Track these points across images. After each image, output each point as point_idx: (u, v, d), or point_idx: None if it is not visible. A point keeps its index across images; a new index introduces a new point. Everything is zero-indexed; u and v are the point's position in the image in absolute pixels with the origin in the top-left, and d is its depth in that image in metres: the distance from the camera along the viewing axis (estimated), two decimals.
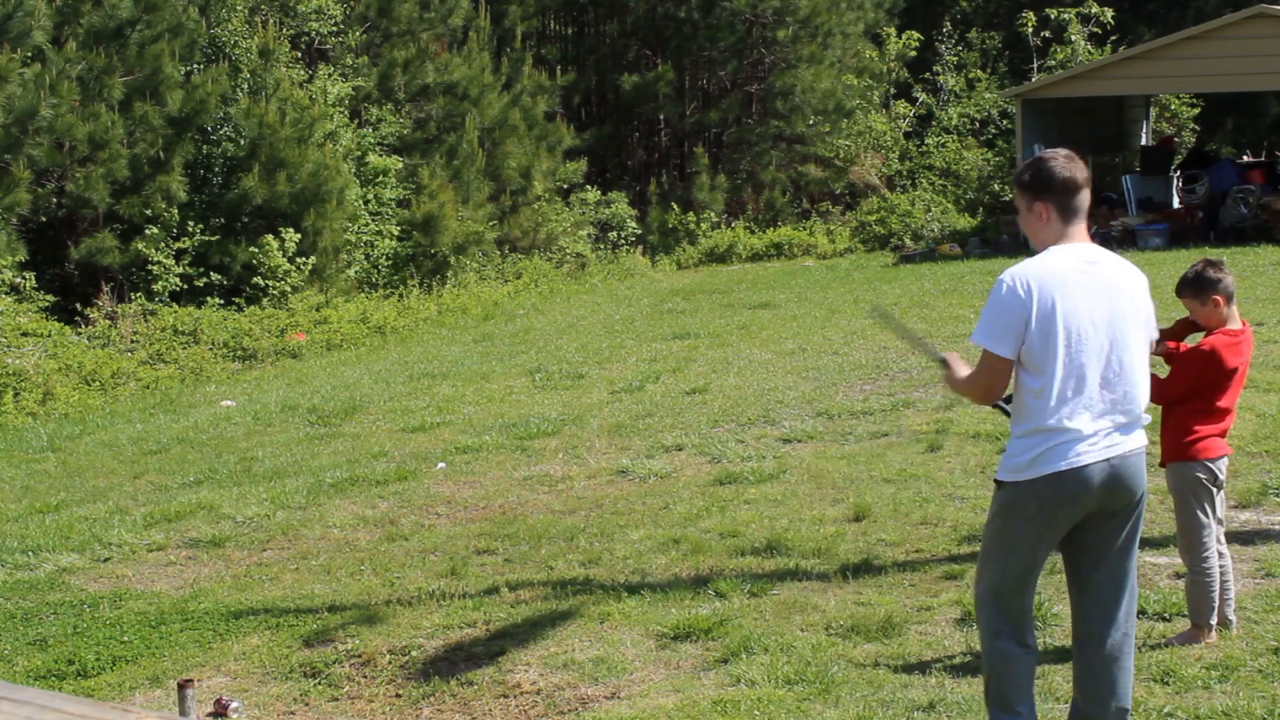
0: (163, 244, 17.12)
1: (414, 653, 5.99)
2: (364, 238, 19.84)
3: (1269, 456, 7.85)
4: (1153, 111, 26.28)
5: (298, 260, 17.81)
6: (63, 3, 17.03)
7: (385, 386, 12.93)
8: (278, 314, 17.26)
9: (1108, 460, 4.15)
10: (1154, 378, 5.41)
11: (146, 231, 17.15)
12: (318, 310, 17.69)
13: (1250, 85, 21.94)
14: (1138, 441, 4.25)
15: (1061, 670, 5.11)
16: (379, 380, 13.38)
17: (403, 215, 20.58)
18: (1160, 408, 5.51)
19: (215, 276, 17.53)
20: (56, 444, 11.63)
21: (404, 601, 6.60)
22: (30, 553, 7.97)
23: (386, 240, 20.22)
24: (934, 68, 28.65)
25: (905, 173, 26.42)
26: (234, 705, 5.54)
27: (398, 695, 5.68)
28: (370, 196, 20.14)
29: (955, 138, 26.64)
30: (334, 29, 21.60)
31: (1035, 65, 27.51)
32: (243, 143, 18.33)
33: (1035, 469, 4.15)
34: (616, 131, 28.97)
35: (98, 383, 14.42)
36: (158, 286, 16.90)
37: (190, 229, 17.31)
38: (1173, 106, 27.16)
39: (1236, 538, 6.33)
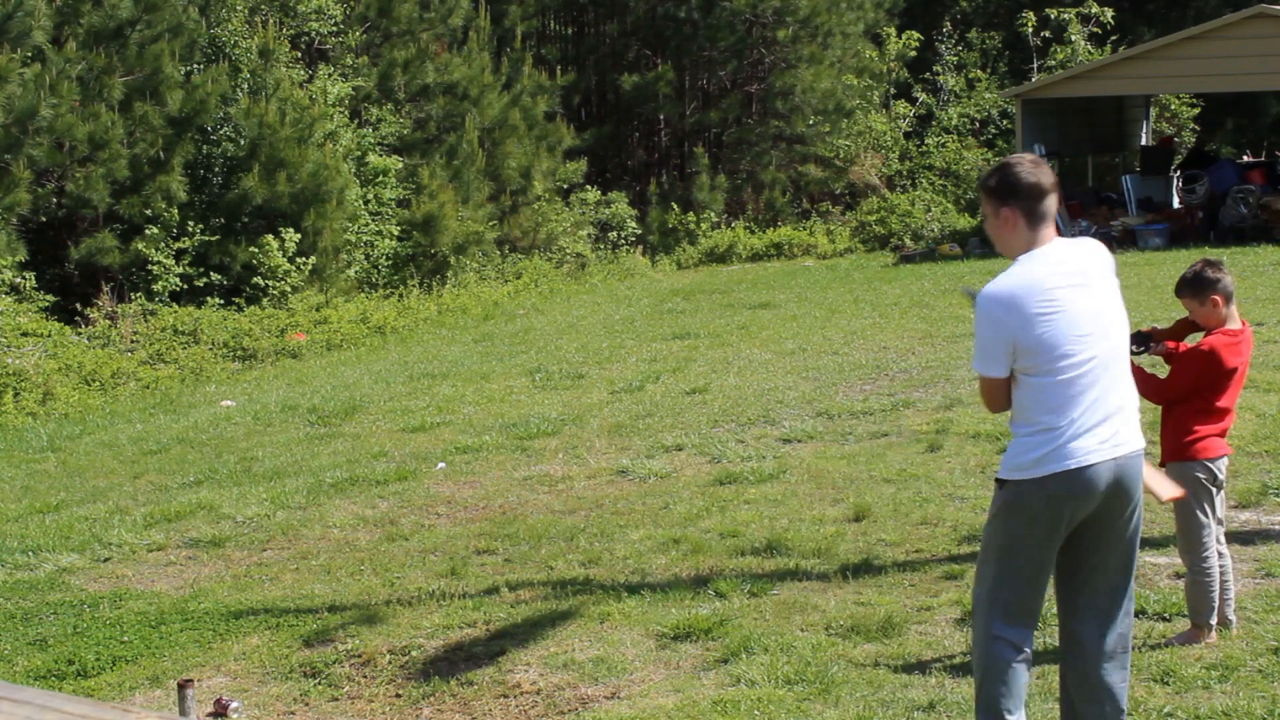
0: (163, 244, 17.13)
1: (414, 653, 5.99)
2: (364, 238, 19.84)
3: (1269, 456, 7.85)
4: (1153, 111, 26.29)
5: (298, 260, 17.82)
6: (63, 3, 17.03)
7: (385, 386, 12.93)
8: (278, 314, 17.26)
9: (1114, 460, 4.14)
10: (1153, 378, 5.42)
11: (146, 231, 17.16)
12: (318, 310, 17.69)
13: (1250, 85, 21.95)
14: (1138, 441, 4.24)
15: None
16: (379, 380, 13.38)
17: (403, 215, 20.58)
18: (1160, 408, 5.51)
19: (215, 276, 17.54)
20: (56, 444, 11.63)
21: (404, 601, 6.60)
22: (30, 553, 7.97)
23: (386, 240, 20.22)
24: (934, 68, 28.66)
25: (905, 173, 26.42)
26: (234, 705, 5.54)
27: (398, 695, 5.68)
28: (370, 196, 20.14)
29: (955, 138, 26.64)
30: (334, 29, 21.60)
31: (1035, 65, 27.52)
32: (243, 143, 18.33)
33: (1041, 467, 4.12)
34: (616, 131, 28.97)
35: (98, 383, 14.43)
36: (158, 286, 16.90)
37: (190, 229, 17.31)
38: (1173, 106, 27.17)
39: (1236, 538, 6.33)
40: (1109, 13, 27.04)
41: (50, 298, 16.12)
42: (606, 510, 7.96)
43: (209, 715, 5.50)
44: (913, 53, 28.27)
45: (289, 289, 17.74)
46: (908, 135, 27.53)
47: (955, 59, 28.86)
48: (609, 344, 14.49)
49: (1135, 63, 20.83)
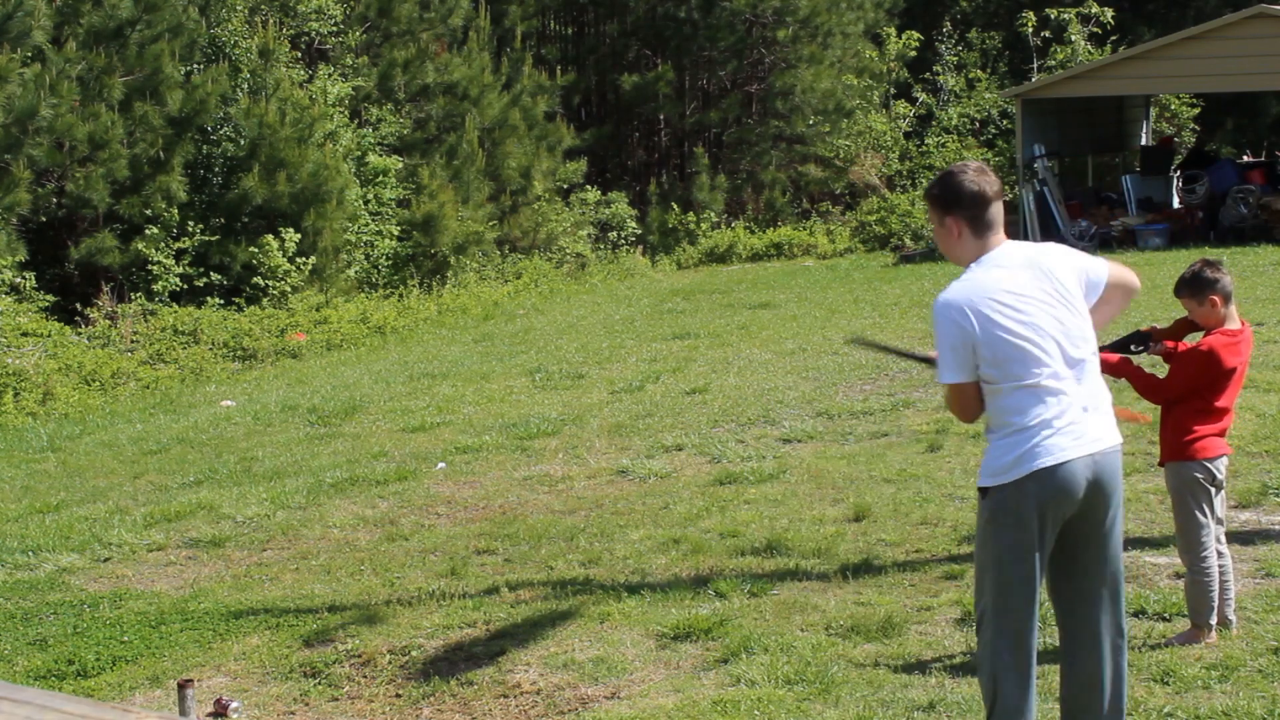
0: (163, 244, 17.13)
1: (414, 653, 5.99)
2: (364, 238, 19.84)
3: (1269, 456, 7.85)
4: (1153, 111, 26.28)
5: (298, 260, 17.82)
6: (63, 3, 17.03)
7: (385, 386, 12.93)
8: (278, 314, 17.26)
9: (1091, 456, 4.12)
10: (1152, 377, 5.43)
11: (146, 231, 17.16)
12: (318, 310, 17.69)
13: (1250, 85, 21.95)
14: (1114, 437, 4.22)
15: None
16: (379, 380, 13.38)
17: (403, 215, 20.58)
18: (1159, 407, 5.51)
19: (215, 276, 17.54)
20: (56, 444, 11.63)
21: (404, 601, 6.60)
22: (30, 553, 7.97)
23: (386, 240, 20.22)
24: (934, 68, 28.66)
25: (905, 173, 26.42)
26: (234, 705, 5.54)
27: (398, 695, 5.68)
28: (370, 196, 20.14)
29: (955, 138, 26.64)
30: (334, 29, 21.60)
31: (1035, 65, 27.52)
32: (243, 143, 18.33)
33: (1019, 468, 4.10)
34: (616, 131, 28.97)
35: (98, 383, 14.43)
36: (158, 286, 16.90)
37: (190, 229, 17.31)
38: (1173, 106, 27.17)
39: (1236, 538, 6.33)
40: (1109, 13, 27.03)
41: (50, 298, 16.12)
42: (606, 510, 7.96)
43: (209, 715, 5.50)
44: (913, 53, 28.27)
45: (289, 289, 17.74)
46: (908, 135, 27.52)
47: (955, 59, 28.86)
48: (609, 344, 14.49)
49: (1135, 63, 20.83)
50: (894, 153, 26.80)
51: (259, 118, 18.12)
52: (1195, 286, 5.35)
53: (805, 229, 25.38)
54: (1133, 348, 5.47)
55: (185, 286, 17.26)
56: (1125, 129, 25.45)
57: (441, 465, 9.42)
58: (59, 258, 17.31)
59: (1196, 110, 27.37)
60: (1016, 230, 20.00)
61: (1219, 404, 5.32)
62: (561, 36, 30.62)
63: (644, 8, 27.68)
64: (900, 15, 29.75)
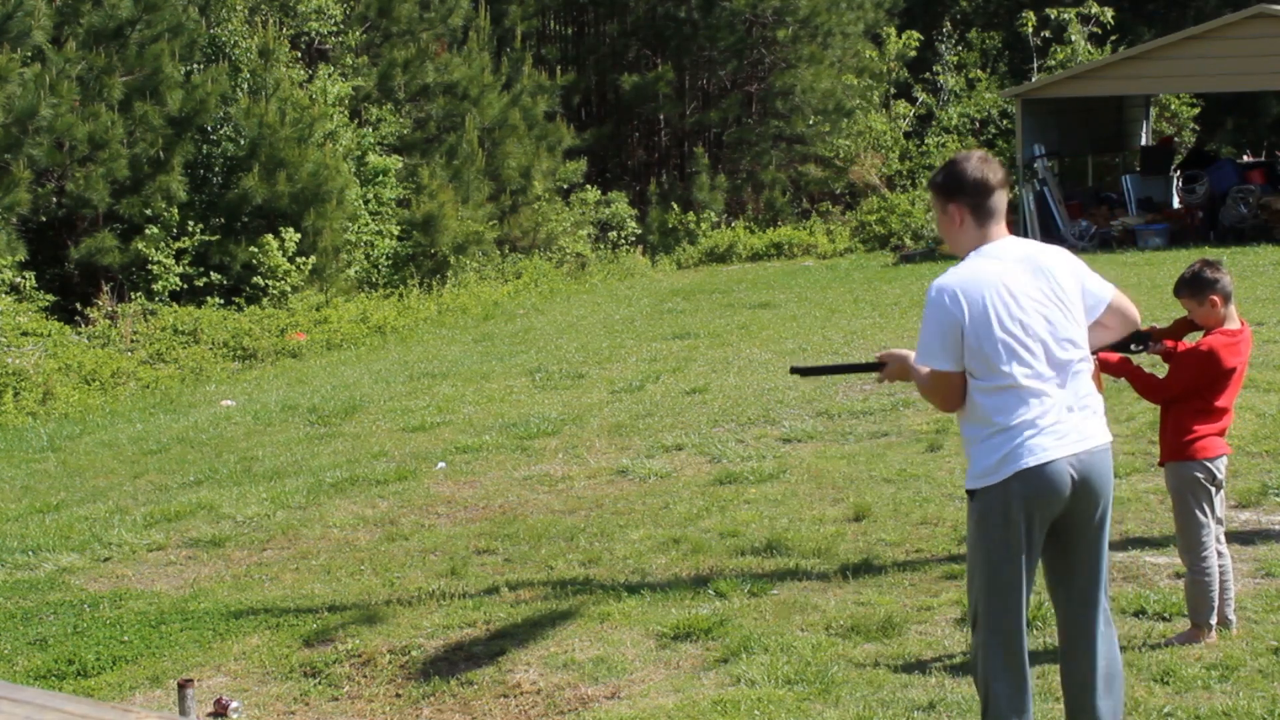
0: (163, 244, 17.13)
1: (414, 653, 5.99)
2: (364, 237, 19.84)
3: (1269, 456, 7.85)
4: (1153, 111, 26.29)
5: (298, 260, 17.82)
6: (63, 3, 17.03)
7: (385, 386, 12.93)
8: (278, 314, 17.27)
9: (1076, 456, 4.10)
10: (1152, 377, 5.42)
11: (146, 231, 17.17)
12: (318, 310, 17.70)
13: (1250, 85, 21.94)
14: (1103, 436, 4.21)
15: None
16: (379, 380, 13.38)
17: (403, 215, 20.59)
18: (1159, 407, 5.51)
19: (215, 276, 17.54)
20: (56, 444, 11.63)
21: (404, 601, 6.60)
22: (30, 553, 7.97)
23: (386, 240, 20.23)
24: (934, 68, 28.66)
25: (905, 173, 26.43)
26: (234, 705, 5.54)
27: (398, 695, 5.68)
28: (370, 196, 20.15)
29: (955, 138, 26.65)
30: (334, 29, 21.61)
31: (1035, 65, 27.53)
32: (243, 143, 18.34)
33: (1004, 469, 4.09)
34: (616, 131, 28.97)
35: (98, 383, 14.43)
36: (158, 286, 16.91)
37: (190, 229, 17.32)
38: (1173, 106, 27.18)
39: (1236, 538, 6.33)
40: (1109, 13, 27.04)
41: (50, 297, 16.13)
42: (606, 510, 7.96)
43: (209, 715, 5.50)
44: (913, 53, 28.28)
45: (289, 289, 17.74)
46: (908, 135, 27.53)
47: (955, 59, 28.87)
48: (609, 344, 14.49)
49: (1135, 63, 20.83)
50: (894, 153, 26.81)
51: (259, 117, 18.12)
52: (1195, 286, 5.35)
53: (805, 229, 25.39)
54: (1132, 347, 5.46)
55: (185, 286, 17.26)
56: (1125, 129, 25.45)
57: (441, 465, 9.42)
58: (59, 257, 17.31)
59: (1196, 110, 27.38)
60: (1017, 230, 19.88)
61: (1219, 404, 5.32)
62: (561, 36, 30.63)
63: (644, 8, 27.69)
64: (900, 15, 29.76)
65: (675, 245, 25.03)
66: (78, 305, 16.52)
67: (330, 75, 20.37)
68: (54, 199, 16.91)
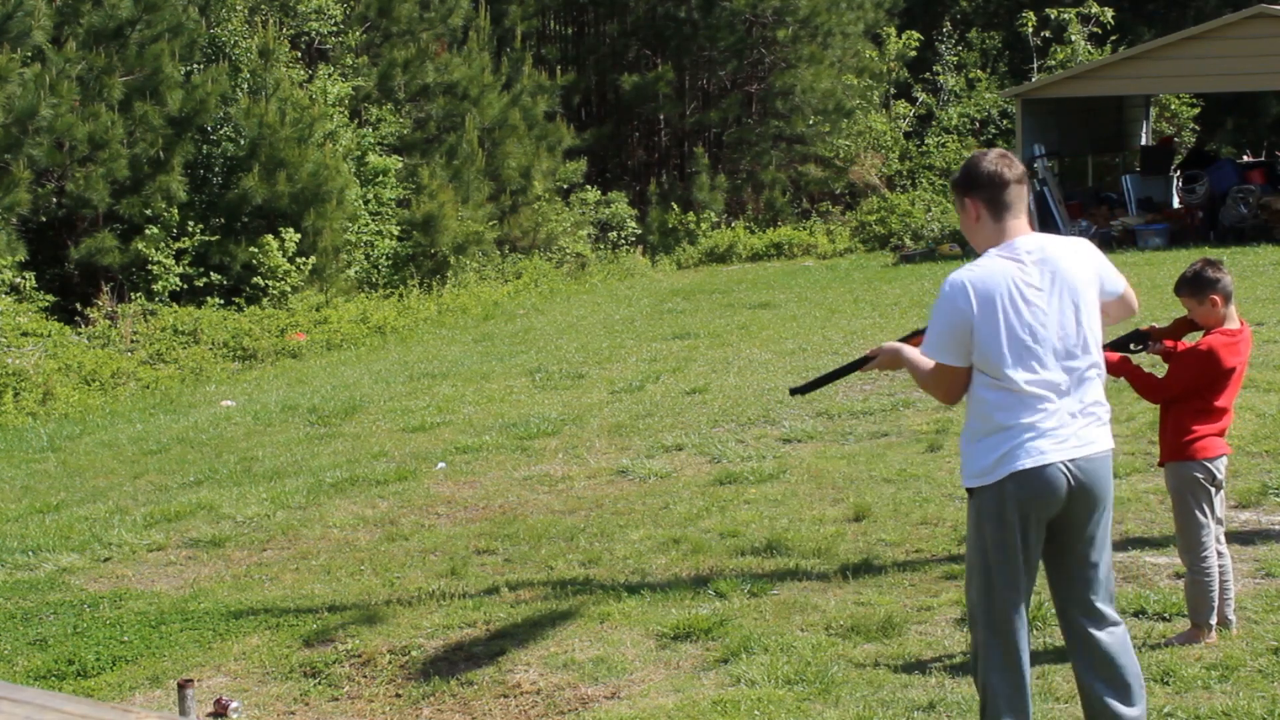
0: (163, 244, 17.13)
1: (414, 653, 5.99)
2: (364, 238, 19.85)
3: (1269, 456, 7.85)
4: (1153, 111, 26.29)
5: (298, 260, 17.82)
6: (63, 3, 17.03)
7: (385, 386, 12.93)
8: (278, 314, 17.27)
9: (1074, 460, 4.09)
10: (1151, 377, 5.42)
11: (146, 231, 17.17)
12: (318, 310, 17.70)
13: (1250, 85, 21.94)
14: (1104, 442, 4.19)
15: (1061, 670, 5.11)
16: (379, 380, 13.38)
17: (403, 215, 20.59)
18: (1158, 407, 5.51)
19: (215, 276, 17.55)
20: (56, 444, 11.63)
21: (404, 601, 6.60)
22: (30, 553, 7.97)
23: (386, 240, 20.23)
24: (934, 68, 28.67)
25: (905, 173, 26.43)
26: (234, 705, 5.54)
27: (398, 695, 5.68)
28: (370, 196, 20.15)
29: (955, 138, 26.65)
30: (334, 29, 21.61)
31: (1035, 65, 27.53)
32: (243, 143, 18.34)
33: (1000, 469, 4.09)
34: (616, 131, 28.97)
35: (98, 383, 14.43)
36: (158, 286, 16.91)
37: (190, 229, 17.32)
38: (1173, 106, 27.17)
39: (1236, 538, 6.33)
40: (1109, 13, 27.04)
41: (50, 298, 16.13)
42: (606, 510, 7.96)
43: (209, 715, 5.50)
44: (913, 53, 28.28)
45: (289, 289, 17.74)
46: (908, 135, 27.53)
47: (955, 59, 28.87)
48: (609, 344, 14.49)
49: (1135, 63, 20.83)
50: (894, 153, 26.81)
51: (259, 118, 18.12)
52: (1196, 286, 5.35)
53: (805, 229, 25.39)
54: (1132, 346, 5.47)
55: (185, 286, 17.27)
56: (1125, 129, 25.45)
57: (441, 465, 9.42)
58: (59, 258, 17.31)
59: (1196, 110, 27.38)
60: None
61: (1218, 404, 5.32)
62: (561, 36, 30.63)
63: (644, 8, 27.69)
64: (900, 15, 29.76)
65: (675, 245, 25.03)
66: (78, 305, 16.52)
67: (330, 75, 20.38)
68: (54, 199, 16.91)
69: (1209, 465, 5.31)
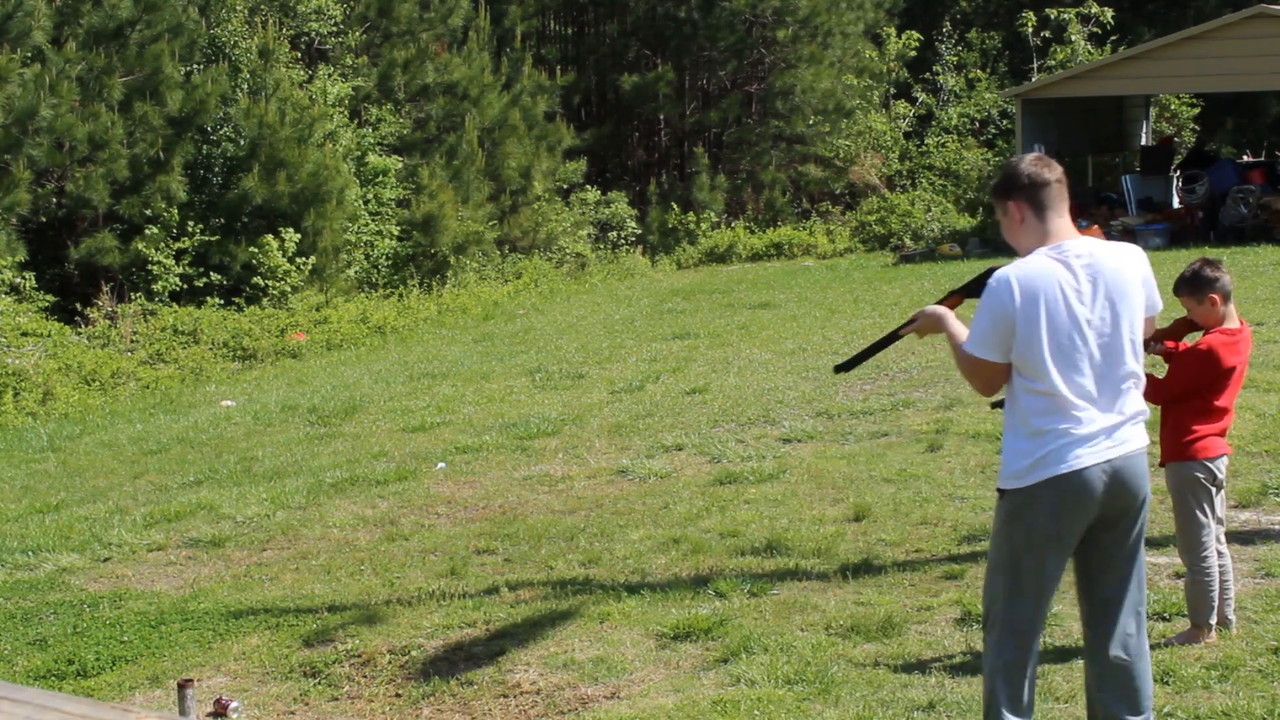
0: (163, 244, 17.13)
1: (414, 653, 5.99)
2: (364, 238, 19.85)
3: (1269, 456, 7.85)
4: (1153, 111, 26.29)
5: (298, 260, 17.82)
6: (63, 3, 17.03)
7: (385, 386, 12.93)
8: (278, 314, 17.27)
9: (1109, 461, 4.07)
10: (1151, 377, 5.41)
11: (146, 231, 17.17)
12: (318, 310, 17.70)
13: (1250, 85, 21.95)
14: (1140, 441, 4.17)
15: (1061, 670, 5.12)
16: (379, 380, 13.38)
17: (403, 215, 20.59)
18: (1159, 407, 5.51)
19: (215, 276, 17.55)
20: (56, 444, 11.63)
21: (404, 601, 6.60)
22: (30, 553, 7.97)
23: (386, 240, 20.23)
24: (934, 68, 28.67)
25: (905, 173, 26.43)
26: (234, 705, 5.54)
27: (398, 695, 5.68)
28: (370, 196, 20.16)
29: (955, 138, 26.65)
30: (334, 29, 21.61)
31: (1035, 65, 27.53)
32: (243, 143, 18.34)
33: (1036, 473, 4.06)
34: (616, 131, 28.97)
35: (98, 383, 14.43)
36: (158, 286, 16.91)
37: (190, 229, 17.32)
38: (1173, 106, 27.17)
39: (1236, 538, 6.33)
40: (1109, 13, 27.03)
41: (50, 298, 16.13)
42: (606, 510, 7.96)
43: (209, 715, 5.50)
44: (913, 53, 28.28)
45: (289, 289, 17.75)
46: (908, 135, 27.53)
47: (955, 59, 28.87)
48: (609, 344, 14.49)
49: (1135, 63, 20.83)
50: (894, 153, 26.81)
51: (259, 118, 18.13)
52: (1195, 285, 5.35)
53: (805, 229, 25.39)
54: None
55: (185, 286, 17.27)
56: (1125, 129, 25.46)
57: (441, 465, 9.42)
58: (59, 258, 17.31)
59: (1196, 110, 27.37)
60: None
61: (1219, 404, 5.32)
62: (561, 36, 30.63)
63: (644, 8, 27.69)
64: (900, 15, 29.76)
65: (675, 245, 25.03)
66: (78, 305, 16.52)
67: (330, 75, 20.37)
68: (54, 199, 16.91)
69: (1209, 465, 5.31)
